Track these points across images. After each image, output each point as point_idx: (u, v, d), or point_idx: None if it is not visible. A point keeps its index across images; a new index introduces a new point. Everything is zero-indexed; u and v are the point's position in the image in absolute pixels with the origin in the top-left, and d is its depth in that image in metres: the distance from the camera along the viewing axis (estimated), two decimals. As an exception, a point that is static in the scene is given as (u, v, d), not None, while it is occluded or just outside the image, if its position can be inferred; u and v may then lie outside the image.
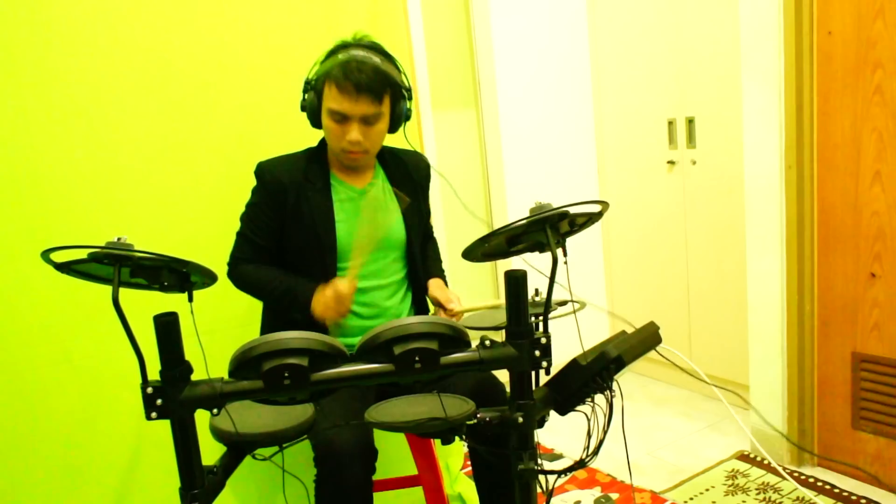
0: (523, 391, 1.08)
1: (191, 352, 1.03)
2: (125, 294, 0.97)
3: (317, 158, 1.63)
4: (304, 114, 1.59)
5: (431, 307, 1.71)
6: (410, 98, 1.60)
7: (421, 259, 1.73)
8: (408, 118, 1.62)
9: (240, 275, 1.62)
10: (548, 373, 1.10)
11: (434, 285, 1.70)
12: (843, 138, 2.06)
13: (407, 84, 1.58)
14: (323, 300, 1.50)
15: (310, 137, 1.67)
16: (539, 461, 1.10)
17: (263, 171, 1.60)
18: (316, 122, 1.57)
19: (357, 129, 1.51)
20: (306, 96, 1.55)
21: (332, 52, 1.53)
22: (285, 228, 1.59)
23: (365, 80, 1.45)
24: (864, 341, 2.10)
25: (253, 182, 1.62)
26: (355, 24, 2.03)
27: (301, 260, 1.60)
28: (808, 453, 2.32)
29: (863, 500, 2.06)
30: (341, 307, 1.50)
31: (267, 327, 1.69)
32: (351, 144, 1.52)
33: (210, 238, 1.74)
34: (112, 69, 1.71)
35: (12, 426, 1.65)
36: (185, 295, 1.06)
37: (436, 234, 1.94)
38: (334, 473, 1.35)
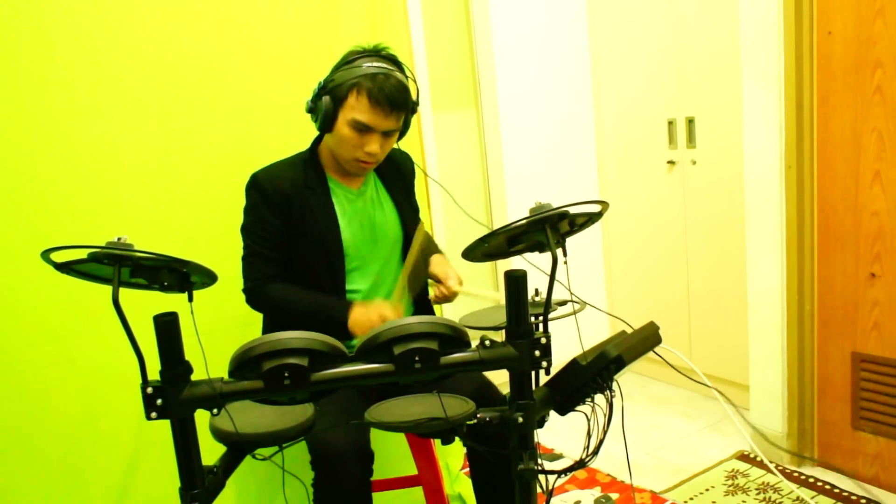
0: (523, 391, 1.08)
1: (191, 352, 1.03)
2: (125, 294, 0.97)
3: (312, 163, 1.61)
4: (306, 115, 1.57)
5: (430, 291, 1.70)
6: (415, 111, 1.59)
7: None
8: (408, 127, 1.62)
9: (264, 299, 1.56)
10: (548, 373, 1.10)
11: (435, 261, 1.67)
12: (843, 138, 2.05)
13: (417, 98, 1.58)
14: (367, 321, 1.46)
15: (310, 138, 1.66)
16: (539, 461, 1.10)
17: (262, 182, 1.55)
18: (326, 127, 1.52)
19: (377, 142, 1.51)
20: (322, 100, 1.49)
21: (352, 60, 1.49)
22: (290, 237, 1.57)
23: (398, 98, 1.46)
24: (864, 341, 2.10)
25: None
26: (355, 24, 2.03)
27: (308, 266, 1.58)
28: (808, 453, 2.32)
29: (863, 500, 2.06)
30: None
31: (269, 329, 1.69)
32: (368, 156, 1.52)
33: (210, 238, 1.74)
34: (112, 70, 1.71)
35: (12, 426, 1.65)
36: (185, 295, 1.06)
37: (436, 235, 1.95)
38: (331, 477, 1.35)
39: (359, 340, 1.04)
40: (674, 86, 2.84)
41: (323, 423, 1.34)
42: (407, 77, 1.53)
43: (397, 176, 1.73)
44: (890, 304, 2.02)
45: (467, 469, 1.91)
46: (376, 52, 1.51)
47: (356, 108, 1.47)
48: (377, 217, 1.66)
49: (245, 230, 1.58)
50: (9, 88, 1.60)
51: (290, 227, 1.56)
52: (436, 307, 1.79)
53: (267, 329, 1.69)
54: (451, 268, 1.66)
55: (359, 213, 1.63)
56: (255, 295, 1.58)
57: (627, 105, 3.08)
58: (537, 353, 1.06)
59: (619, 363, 1.10)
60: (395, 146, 1.69)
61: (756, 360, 2.38)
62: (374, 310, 1.48)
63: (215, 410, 1.00)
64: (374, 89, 1.44)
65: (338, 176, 1.63)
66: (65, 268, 1.01)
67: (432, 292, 1.67)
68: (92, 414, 1.72)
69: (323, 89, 1.50)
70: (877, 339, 2.07)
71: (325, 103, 1.49)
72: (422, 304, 1.74)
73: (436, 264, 1.67)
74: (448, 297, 1.60)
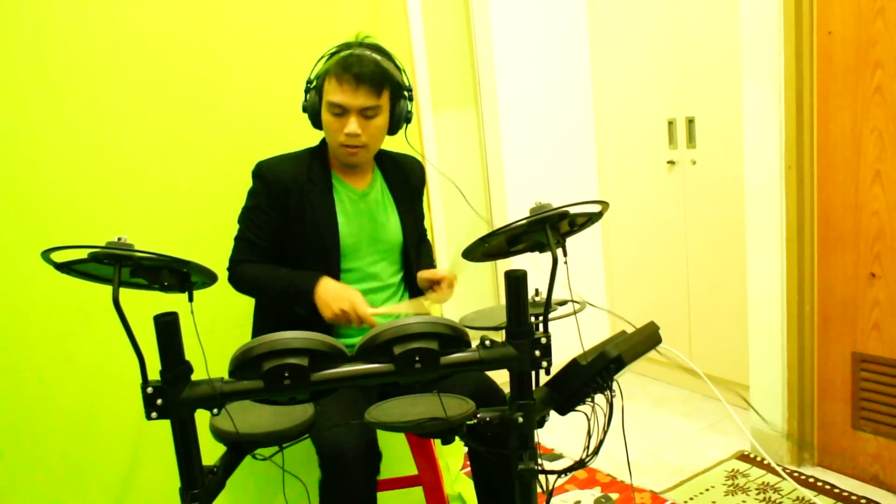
0: (523, 391, 1.08)
1: (191, 352, 1.03)
2: (125, 294, 0.97)
3: (318, 158, 1.63)
4: (305, 115, 1.59)
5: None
6: (411, 99, 1.60)
7: (416, 262, 1.73)
8: (408, 121, 1.62)
9: (240, 275, 1.61)
10: (548, 373, 1.10)
11: (420, 274, 1.68)
12: (843, 138, 2.05)
13: (407, 83, 1.58)
14: (337, 303, 1.47)
15: (309, 138, 1.67)
16: (539, 461, 1.10)
17: (264, 171, 1.59)
18: (317, 123, 1.57)
19: (355, 122, 1.51)
20: (308, 96, 1.56)
21: (334, 53, 1.54)
22: (287, 230, 1.59)
23: (364, 72, 1.47)
24: (864, 341, 2.10)
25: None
26: (355, 24, 2.03)
27: (303, 261, 1.59)
28: (808, 453, 2.32)
29: (863, 500, 2.06)
30: (347, 323, 1.48)
31: (259, 327, 1.69)
32: (348, 137, 1.52)
33: (210, 238, 1.74)
34: (112, 69, 1.71)
35: (12, 426, 1.65)
36: (185, 295, 1.06)
37: (435, 235, 1.94)
38: (339, 476, 1.35)
39: (357, 341, 1.04)
40: (674, 86, 2.84)
41: (325, 422, 1.34)
42: (392, 62, 1.55)
43: (405, 183, 1.73)
44: (890, 304, 2.02)
45: (467, 469, 1.91)
46: (357, 43, 1.54)
47: (329, 91, 1.51)
48: (379, 219, 1.66)
49: (241, 213, 1.63)
50: (9, 88, 1.60)
51: (287, 219, 1.58)
52: (436, 307, 1.79)
53: (257, 320, 1.70)
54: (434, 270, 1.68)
55: (361, 213, 1.64)
56: (231, 275, 1.62)
57: (627, 105, 3.08)
58: (537, 353, 1.06)
59: (619, 363, 1.10)
60: (411, 147, 1.68)
61: (756, 360, 2.38)
62: (347, 299, 1.47)
63: (215, 410, 1.00)
64: (339, 68, 1.47)
65: (343, 174, 1.64)
66: (65, 268, 1.01)
67: (430, 297, 1.67)
68: (92, 414, 1.72)
69: (307, 87, 1.56)
70: (877, 340, 2.07)
71: (311, 99, 1.55)
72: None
73: (420, 273, 1.67)
74: (447, 292, 1.60)
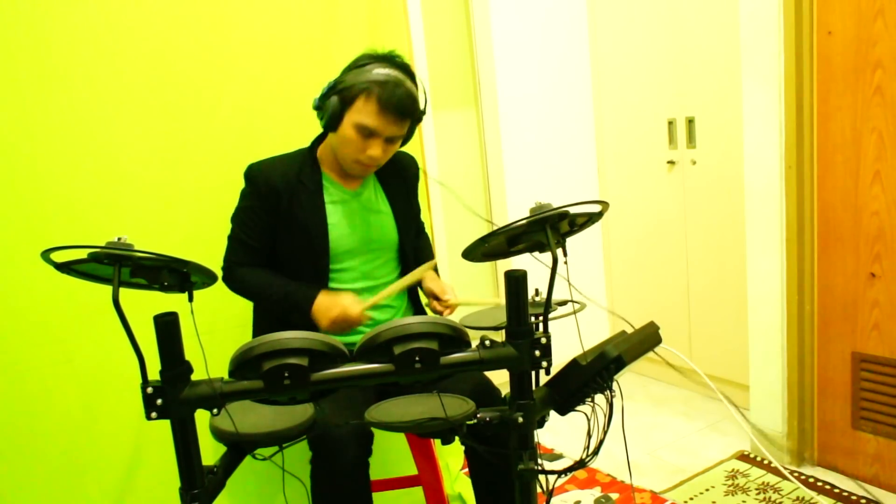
0: (523, 391, 1.08)
1: (191, 352, 1.04)
2: (125, 294, 0.97)
3: (309, 160, 1.62)
4: (307, 115, 1.58)
5: (424, 298, 1.70)
6: (421, 120, 1.60)
7: (413, 258, 1.73)
8: (412, 135, 1.63)
9: (236, 279, 1.61)
10: (548, 373, 1.10)
11: (429, 277, 1.69)
12: (843, 138, 2.05)
13: (424, 108, 1.57)
14: (329, 315, 1.50)
15: (310, 138, 1.66)
16: (539, 461, 1.10)
17: (255, 174, 1.58)
18: (332, 126, 1.52)
19: (380, 147, 1.52)
20: (330, 99, 1.49)
21: (364, 64, 1.50)
22: (278, 231, 1.59)
23: (407, 106, 1.48)
24: (864, 341, 2.10)
25: None
26: (355, 23, 2.04)
27: (293, 263, 1.60)
28: (808, 453, 2.32)
29: (863, 500, 2.06)
30: (346, 327, 1.51)
31: (259, 327, 1.69)
32: (369, 159, 1.53)
33: (210, 238, 1.74)
34: (112, 69, 1.71)
35: (12, 426, 1.65)
36: (185, 295, 1.06)
37: (436, 235, 1.94)
38: (329, 455, 1.35)
39: (357, 340, 1.04)
40: (674, 86, 2.84)
41: (324, 422, 1.34)
42: (417, 87, 1.54)
43: (399, 180, 1.73)
44: (890, 304, 2.02)
45: (467, 469, 1.91)
46: (389, 59, 1.52)
47: (363, 112, 1.47)
48: (372, 220, 1.66)
49: (234, 214, 1.63)
50: (9, 88, 1.60)
51: (277, 221, 1.58)
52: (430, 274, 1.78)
53: (256, 322, 1.70)
54: (444, 282, 1.68)
55: (353, 213, 1.63)
56: (226, 275, 1.63)
57: (627, 105, 3.08)
58: (537, 353, 1.06)
59: (619, 363, 1.10)
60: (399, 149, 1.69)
61: (756, 360, 2.38)
62: (338, 305, 1.50)
63: (215, 410, 1.00)
64: (383, 95, 1.45)
65: (335, 175, 1.63)
66: (65, 268, 1.01)
67: (429, 311, 1.67)
68: (92, 414, 1.72)
69: (332, 89, 1.50)
70: (877, 339, 2.07)
71: (333, 104, 1.49)
72: (415, 303, 1.74)
73: (430, 280, 1.68)
74: (446, 312, 1.61)
